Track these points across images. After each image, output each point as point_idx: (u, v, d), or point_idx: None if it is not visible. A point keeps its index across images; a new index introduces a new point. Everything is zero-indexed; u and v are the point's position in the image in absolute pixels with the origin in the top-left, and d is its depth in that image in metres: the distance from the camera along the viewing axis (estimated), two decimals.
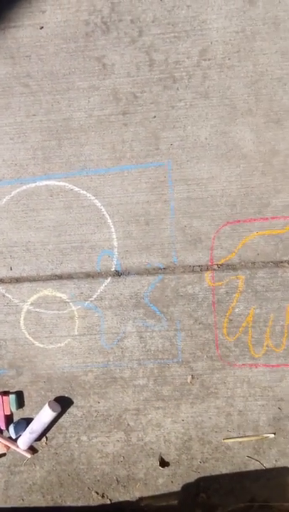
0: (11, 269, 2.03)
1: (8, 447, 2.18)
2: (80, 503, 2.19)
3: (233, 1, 1.73)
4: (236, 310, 1.99)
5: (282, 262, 1.93)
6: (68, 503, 2.19)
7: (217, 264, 1.96)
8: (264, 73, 1.77)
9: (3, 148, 1.93)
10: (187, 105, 1.83)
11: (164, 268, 1.97)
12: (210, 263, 1.96)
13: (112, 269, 1.99)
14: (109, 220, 1.94)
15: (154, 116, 1.83)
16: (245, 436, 2.12)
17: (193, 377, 2.07)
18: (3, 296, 2.03)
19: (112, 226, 1.95)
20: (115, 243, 1.97)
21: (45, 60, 1.84)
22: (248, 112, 1.81)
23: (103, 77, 1.84)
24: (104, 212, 1.94)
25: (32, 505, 2.22)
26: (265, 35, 1.74)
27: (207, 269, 1.97)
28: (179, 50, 1.78)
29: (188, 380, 2.08)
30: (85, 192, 1.93)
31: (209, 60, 1.78)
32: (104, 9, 1.78)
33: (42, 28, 1.81)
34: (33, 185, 1.95)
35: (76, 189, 1.93)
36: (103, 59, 1.82)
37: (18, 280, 2.04)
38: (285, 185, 1.85)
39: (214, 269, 1.96)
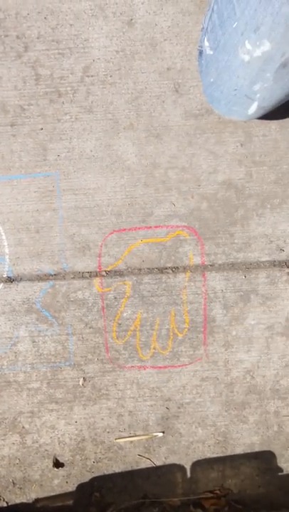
0: None
1: None
2: None
3: (113, 22, 1.83)
4: (124, 314, 2.09)
5: (166, 268, 2.04)
6: None
7: (105, 271, 2.05)
8: (143, 90, 1.88)
9: None
10: (72, 118, 1.91)
11: (54, 274, 2.05)
12: (98, 269, 2.05)
13: (4, 276, 2.05)
14: (0, 228, 2.00)
15: (42, 129, 1.91)
16: (136, 436, 2.21)
17: (85, 379, 2.15)
18: None
19: (2, 233, 2.01)
20: (6, 250, 2.03)
21: None
22: (129, 127, 1.92)
23: None
24: None
25: None
26: (144, 55, 1.85)
27: (96, 276, 2.06)
28: (63, 66, 1.87)
29: (81, 383, 2.16)
30: None
31: (92, 76, 1.88)
32: None
33: None
34: None
35: None
36: None
37: None
38: (166, 196, 1.97)
39: (103, 276, 2.05)
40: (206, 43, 1.51)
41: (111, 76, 1.89)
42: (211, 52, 1.50)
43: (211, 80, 1.58)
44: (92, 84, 1.89)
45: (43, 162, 1.96)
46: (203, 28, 1.58)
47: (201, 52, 1.61)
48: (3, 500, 2.24)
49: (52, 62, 1.88)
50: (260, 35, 1.33)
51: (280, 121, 1.91)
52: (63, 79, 1.90)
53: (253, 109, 1.57)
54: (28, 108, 1.91)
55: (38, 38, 1.85)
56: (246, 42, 1.38)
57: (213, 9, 1.45)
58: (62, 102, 1.91)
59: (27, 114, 1.92)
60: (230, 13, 1.36)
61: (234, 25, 1.37)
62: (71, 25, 1.84)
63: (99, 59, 1.88)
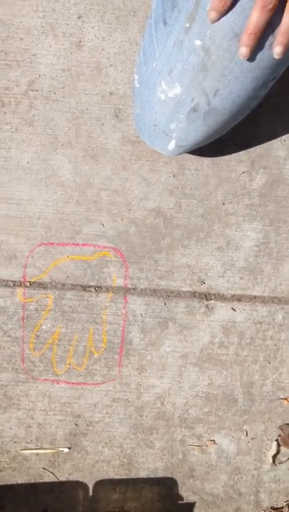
0: None
1: None
2: None
3: (62, 41, 1.77)
4: (44, 327, 2.00)
5: (89, 286, 1.96)
6: None
7: (29, 282, 1.96)
8: (85, 111, 1.82)
9: None
10: (13, 129, 1.84)
11: None
12: (22, 280, 1.97)
13: None
14: None
15: None
16: (42, 449, 2.10)
17: None
18: None
19: None
20: None
21: None
22: (68, 144, 1.85)
23: None
24: None
25: None
26: (88, 77, 1.79)
27: (19, 285, 1.97)
28: (9, 77, 1.80)
29: None
30: None
31: (36, 91, 1.81)
32: None
33: None
34: None
35: None
36: None
37: None
38: (96, 216, 1.90)
39: (26, 286, 1.97)
40: (136, 76, 1.47)
41: (55, 93, 1.83)
42: (138, 86, 1.46)
43: (137, 111, 1.53)
44: (36, 99, 1.83)
45: None
46: (136, 61, 1.55)
47: (133, 84, 1.58)
48: None
49: None
50: (172, 78, 1.29)
51: (213, 158, 1.87)
52: (8, 89, 1.83)
53: (172, 146, 1.52)
54: None
55: None
56: (162, 82, 1.33)
57: (141, 46, 1.42)
58: (5, 112, 1.84)
59: None
60: (151, 52, 1.32)
61: (154, 64, 1.33)
62: (21, 39, 1.78)
63: (45, 75, 1.82)
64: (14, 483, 2.00)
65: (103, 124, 1.75)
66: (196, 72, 1.19)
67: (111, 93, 1.72)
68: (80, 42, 1.68)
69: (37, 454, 2.00)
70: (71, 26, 1.67)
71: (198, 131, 1.36)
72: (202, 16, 1.09)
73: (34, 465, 1.98)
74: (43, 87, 1.72)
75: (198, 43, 1.13)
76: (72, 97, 1.73)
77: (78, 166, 1.80)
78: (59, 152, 1.78)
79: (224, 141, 1.57)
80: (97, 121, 1.75)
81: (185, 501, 1.98)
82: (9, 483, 1.99)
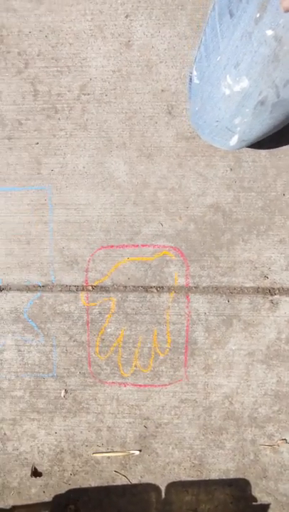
0: None
1: None
2: None
3: (111, 42, 1.73)
4: (108, 330, 1.96)
5: (150, 287, 1.91)
6: None
7: (91, 286, 1.93)
8: (137, 111, 1.77)
9: None
10: (67, 135, 1.81)
11: (42, 286, 1.94)
12: (85, 284, 1.93)
13: None
14: None
15: (37, 143, 1.82)
16: (113, 452, 2.06)
17: (66, 391, 2.02)
18: None
19: None
20: None
21: None
22: (122, 146, 1.81)
23: None
24: None
25: None
26: (139, 76, 1.74)
27: (82, 290, 1.94)
28: (61, 83, 1.78)
29: (62, 395, 2.03)
30: None
31: (88, 94, 1.78)
32: None
33: None
34: None
35: None
36: None
37: None
38: (154, 216, 1.84)
39: (89, 290, 1.93)
40: (195, 72, 1.40)
41: (106, 95, 1.78)
42: (198, 82, 1.39)
43: (196, 108, 1.46)
44: (88, 103, 1.79)
45: (37, 176, 1.86)
46: (194, 56, 1.48)
47: (190, 80, 1.51)
48: None
49: (50, 79, 1.78)
50: (239, 72, 1.21)
51: (271, 149, 1.77)
52: (60, 96, 1.80)
53: (234, 141, 1.44)
54: (26, 122, 1.82)
55: (38, 55, 1.76)
56: (227, 76, 1.26)
57: (201, 40, 1.35)
58: (59, 118, 1.81)
59: (24, 129, 1.82)
60: (215, 46, 1.25)
61: (218, 59, 1.25)
62: (71, 44, 1.75)
63: (96, 78, 1.78)
64: (88, 486, 1.95)
65: (156, 123, 1.68)
66: (267, 64, 1.10)
67: (163, 90, 1.65)
68: (129, 41, 1.62)
69: (108, 457, 1.95)
70: (119, 26, 1.61)
71: (263, 124, 1.27)
72: (274, 5, 1.02)
73: (106, 468, 1.93)
74: (94, 90, 1.67)
75: (269, 33, 1.06)
76: (124, 98, 1.67)
77: (134, 166, 1.74)
78: (114, 154, 1.73)
79: (281, 130, 1.47)
80: (150, 119, 1.68)
81: (259, 503, 1.88)
82: (83, 486, 1.95)
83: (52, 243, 1.80)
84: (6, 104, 1.73)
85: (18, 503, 2.00)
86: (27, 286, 1.84)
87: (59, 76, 1.70)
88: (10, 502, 1.99)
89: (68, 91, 1.71)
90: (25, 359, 1.89)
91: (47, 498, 1.99)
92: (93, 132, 1.73)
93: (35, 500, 1.99)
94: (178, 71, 1.66)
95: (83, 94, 1.71)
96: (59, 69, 1.69)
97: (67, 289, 1.84)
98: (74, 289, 1.84)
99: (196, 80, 1.38)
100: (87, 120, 1.72)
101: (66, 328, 1.85)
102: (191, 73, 1.44)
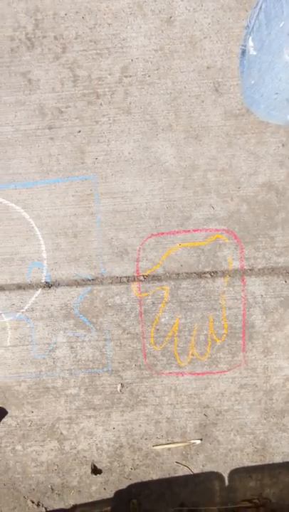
0: None
1: None
2: None
3: (152, 20, 1.59)
4: (162, 320, 1.84)
5: (204, 273, 1.78)
6: None
7: (143, 275, 1.80)
8: (182, 90, 1.64)
9: None
10: (110, 120, 1.68)
11: (92, 279, 1.81)
12: (136, 274, 1.81)
13: (42, 281, 1.82)
14: (38, 233, 1.77)
15: (79, 131, 1.68)
16: (174, 443, 1.94)
17: (122, 385, 1.90)
18: None
19: (41, 238, 1.78)
20: (44, 255, 1.80)
21: None
22: (168, 128, 1.67)
23: (29, 92, 1.67)
24: (33, 225, 1.77)
25: None
26: (183, 54, 1.60)
27: (134, 280, 1.81)
28: (101, 66, 1.64)
29: (118, 389, 1.91)
30: (13, 205, 1.76)
31: (130, 76, 1.64)
32: (28, 25, 1.62)
33: None
34: None
35: (5, 202, 1.76)
36: (28, 74, 1.66)
37: None
38: (205, 199, 1.71)
39: (140, 280, 1.81)
40: (251, 43, 1.26)
41: (149, 76, 1.64)
42: (255, 53, 1.25)
43: (252, 81, 1.33)
44: (131, 85, 1.65)
45: (81, 165, 1.72)
46: (248, 26, 1.32)
47: (243, 52, 1.36)
48: (42, 506, 2.01)
49: (90, 63, 1.64)
50: None
51: None
52: (101, 80, 1.66)
53: None
54: (66, 110, 1.68)
55: (75, 38, 1.61)
56: None
57: (260, 7, 1.21)
58: (100, 104, 1.67)
59: (65, 117, 1.68)
60: (277, 11, 1.12)
61: (281, 25, 1.13)
62: (109, 24, 1.60)
63: (137, 59, 1.63)
64: (149, 479, 1.85)
65: (203, 101, 1.55)
66: None
67: (208, 67, 1.52)
68: (171, 17, 1.48)
69: (169, 449, 1.84)
70: (160, 2, 1.48)
71: None
72: None
73: (167, 460, 1.82)
74: (136, 71, 1.53)
75: None
76: (168, 78, 1.53)
77: (181, 149, 1.61)
78: (160, 137, 1.60)
79: None
80: (197, 98, 1.55)
81: None
82: (144, 480, 1.85)
83: (100, 234, 1.68)
84: (45, 92, 1.59)
85: (79, 501, 1.89)
86: (76, 280, 1.72)
87: (99, 59, 1.57)
88: (70, 501, 1.89)
89: (109, 74, 1.57)
90: (79, 355, 1.77)
91: (108, 494, 1.88)
92: (137, 116, 1.60)
93: (96, 497, 1.88)
94: (223, 46, 1.53)
95: (125, 76, 1.57)
96: (98, 51, 1.56)
97: (118, 280, 1.71)
98: (125, 280, 1.71)
99: (252, 52, 1.25)
100: (130, 104, 1.59)
101: (119, 320, 1.74)
102: (244, 45, 1.31)
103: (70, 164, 1.64)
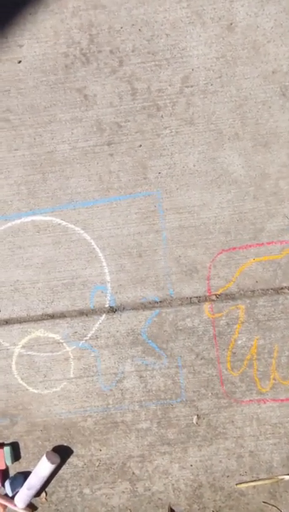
0: (0, 310, 2.56)
1: (4, 506, 2.49)
2: None
3: (212, 28, 2.27)
4: (239, 342, 2.44)
5: (282, 288, 2.42)
6: None
7: (215, 295, 2.44)
8: (248, 97, 2.31)
9: None
10: (173, 132, 2.35)
11: (160, 301, 2.44)
12: (208, 293, 2.44)
13: (106, 305, 2.47)
14: (100, 254, 2.44)
15: (140, 145, 2.36)
16: (259, 480, 2.44)
17: (199, 417, 2.45)
18: None
19: (103, 260, 2.45)
20: (108, 277, 2.47)
21: (24, 93, 2.39)
22: (234, 137, 2.34)
23: (85, 108, 2.36)
24: (95, 246, 2.44)
25: None
26: (246, 60, 2.28)
27: (205, 300, 2.43)
28: (160, 78, 2.32)
29: (194, 421, 2.47)
30: (73, 226, 2.44)
31: (192, 86, 2.32)
32: (82, 41, 2.33)
33: (20, 62, 2.37)
34: (19, 221, 2.45)
35: (64, 223, 2.44)
36: (84, 90, 2.36)
37: (7, 322, 2.49)
38: (278, 209, 2.37)
39: (213, 300, 2.43)
40: None
41: (212, 84, 2.32)
42: None
43: None
44: (192, 95, 2.32)
45: (144, 181, 2.38)
46: None
47: None
48: None
49: (148, 75, 2.32)
50: None
51: None
52: (161, 91, 2.33)
53: None
54: (125, 125, 2.36)
55: (132, 51, 2.30)
56: None
57: None
58: (161, 116, 2.35)
59: (124, 132, 2.36)
60: None
61: None
62: (167, 35, 2.29)
63: (198, 68, 2.30)
64: None
65: (270, 107, 2.22)
66: None
67: (273, 71, 2.20)
68: (232, 24, 2.18)
69: (254, 487, 2.48)
70: (219, 9, 2.19)
71: None
72: None
73: (252, 500, 2.46)
74: (198, 80, 2.23)
75: None
76: (232, 85, 2.22)
77: (250, 157, 2.29)
78: (226, 147, 2.28)
79: None
80: (263, 104, 2.23)
81: None
82: None
83: (166, 253, 2.35)
84: (102, 107, 2.29)
85: None
86: (143, 303, 2.39)
87: (158, 70, 2.26)
88: None
89: (169, 85, 2.26)
90: (149, 385, 2.45)
91: None
92: (201, 126, 2.28)
93: None
94: (288, 49, 2.18)
95: (186, 86, 2.26)
96: (157, 63, 2.25)
97: (189, 301, 2.38)
98: (196, 300, 2.38)
99: None
100: (193, 114, 2.28)
101: (191, 345, 2.40)
102: None
103: (131, 180, 2.32)
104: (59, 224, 2.38)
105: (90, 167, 2.33)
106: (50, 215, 2.38)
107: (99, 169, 2.33)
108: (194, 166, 2.29)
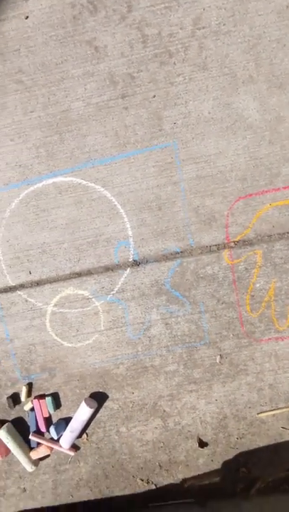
0: (30, 273, 1.39)
1: (51, 448, 1.56)
2: (126, 492, 1.54)
3: None
4: (257, 285, 1.36)
5: None
6: (116, 493, 1.54)
7: (234, 242, 1.32)
8: (261, 36, 1.15)
9: (5, 151, 1.29)
10: (186, 79, 1.20)
11: (181, 252, 1.34)
12: (226, 241, 1.33)
13: (130, 260, 1.36)
14: (122, 210, 1.32)
15: (154, 96, 1.21)
16: (278, 409, 1.49)
17: (221, 357, 1.43)
18: (26, 301, 1.40)
19: (124, 216, 1.32)
20: (130, 232, 1.33)
21: (35, 51, 1.22)
22: (249, 80, 1.18)
23: (97, 61, 1.21)
24: (116, 203, 1.31)
25: (81, 499, 1.57)
26: None
27: (224, 248, 1.33)
28: (171, 21, 1.16)
29: (218, 361, 1.44)
30: (93, 184, 1.30)
31: (204, 28, 1.15)
32: None
33: (27, 17, 1.19)
34: (40, 184, 1.32)
35: (84, 182, 1.30)
36: (94, 42, 1.19)
37: (38, 283, 1.41)
38: None
39: (231, 247, 1.33)
40: None
41: (224, 24, 1.15)
42: None
43: None
44: (205, 37, 1.17)
45: (159, 133, 1.25)
46: None
47: None
48: (152, 483, 1.55)
49: (158, 19, 1.17)
50: None
51: None
52: (172, 36, 1.18)
53: None
54: (138, 75, 1.21)
55: None
56: None
57: None
58: (174, 63, 1.19)
59: (137, 83, 1.22)
60: None
61: None
62: None
63: (209, 7, 1.15)
64: (256, 447, 1.37)
65: (285, 45, 1.07)
66: None
67: (288, 6, 1.02)
68: None
69: (274, 415, 1.40)
70: None
71: None
72: None
73: (272, 426, 1.38)
74: (210, 21, 1.05)
75: None
76: (245, 23, 1.05)
77: (265, 101, 1.12)
78: (241, 91, 1.11)
79: None
80: (278, 43, 1.06)
81: None
82: (251, 448, 1.38)
83: (185, 204, 1.22)
84: (114, 58, 1.14)
85: (188, 475, 1.46)
86: (165, 255, 1.26)
87: (168, 13, 1.10)
88: (179, 476, 1.45)
89: (180, 29, 1.10)
90: (174, 331, 1.32)
91: (216, 466, 1.43)
92: (215, 71, 1.12)
93: (204, 470, 1.43)
94: None
95: (198, 28, 1.10)
96: (166, 5, 1.11)
97: (208, 249, 1.25)
98: (215, 248, 1.25)
99: None
100: (206, 58, 1.12)
101: (212, 291, 1.27)
102: None
103: (147, 133, 1.18)
104: (79, 184, 1.28)
105: (105, 123, 1.22)
106: (71, 176, 1.32)
107: (114, 124, 1.23)
108: (209, 113, 1.15)
